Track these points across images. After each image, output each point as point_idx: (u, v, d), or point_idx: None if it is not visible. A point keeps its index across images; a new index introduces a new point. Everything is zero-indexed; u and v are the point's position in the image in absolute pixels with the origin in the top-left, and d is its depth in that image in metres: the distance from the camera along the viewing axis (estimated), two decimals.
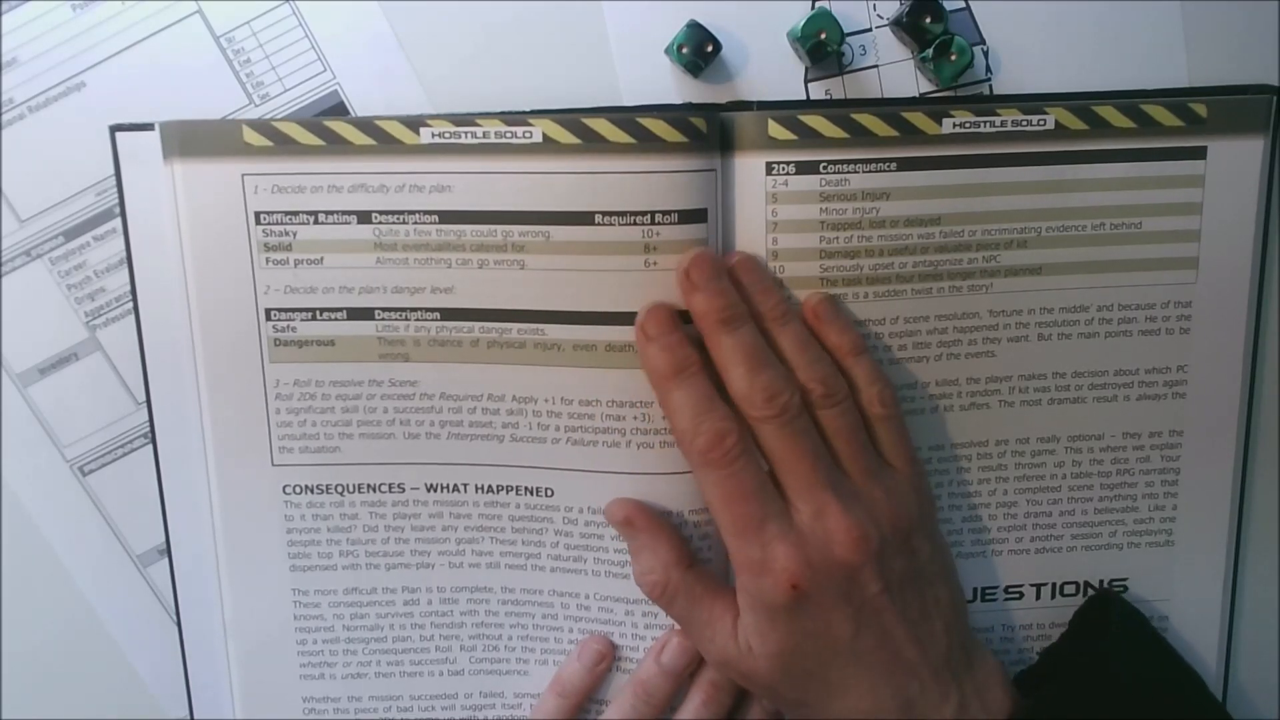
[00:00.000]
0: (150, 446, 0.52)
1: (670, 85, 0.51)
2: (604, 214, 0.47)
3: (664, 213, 0.47)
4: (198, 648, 0.54)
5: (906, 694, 0.47)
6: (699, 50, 0.49)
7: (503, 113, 0.48)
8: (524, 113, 0.48)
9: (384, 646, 0.53)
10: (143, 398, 0.51)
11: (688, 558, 0.49)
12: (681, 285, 0.47)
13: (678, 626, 0.51)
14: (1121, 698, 0.49)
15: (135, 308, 0.50)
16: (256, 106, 0.50)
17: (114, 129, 0.49)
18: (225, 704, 0.54)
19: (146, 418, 0.52)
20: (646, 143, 0.47)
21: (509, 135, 0.47)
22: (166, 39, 0.50)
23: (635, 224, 0.47)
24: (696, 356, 0.47)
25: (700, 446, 0.46)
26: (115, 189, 0.50)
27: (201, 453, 0.51)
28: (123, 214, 0.50)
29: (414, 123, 0.47)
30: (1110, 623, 0.52)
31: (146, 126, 0.49)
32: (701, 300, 0.47)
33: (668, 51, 0.50)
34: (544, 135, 0.47)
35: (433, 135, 0.47)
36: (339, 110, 0.50)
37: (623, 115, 0.47)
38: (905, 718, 0.46)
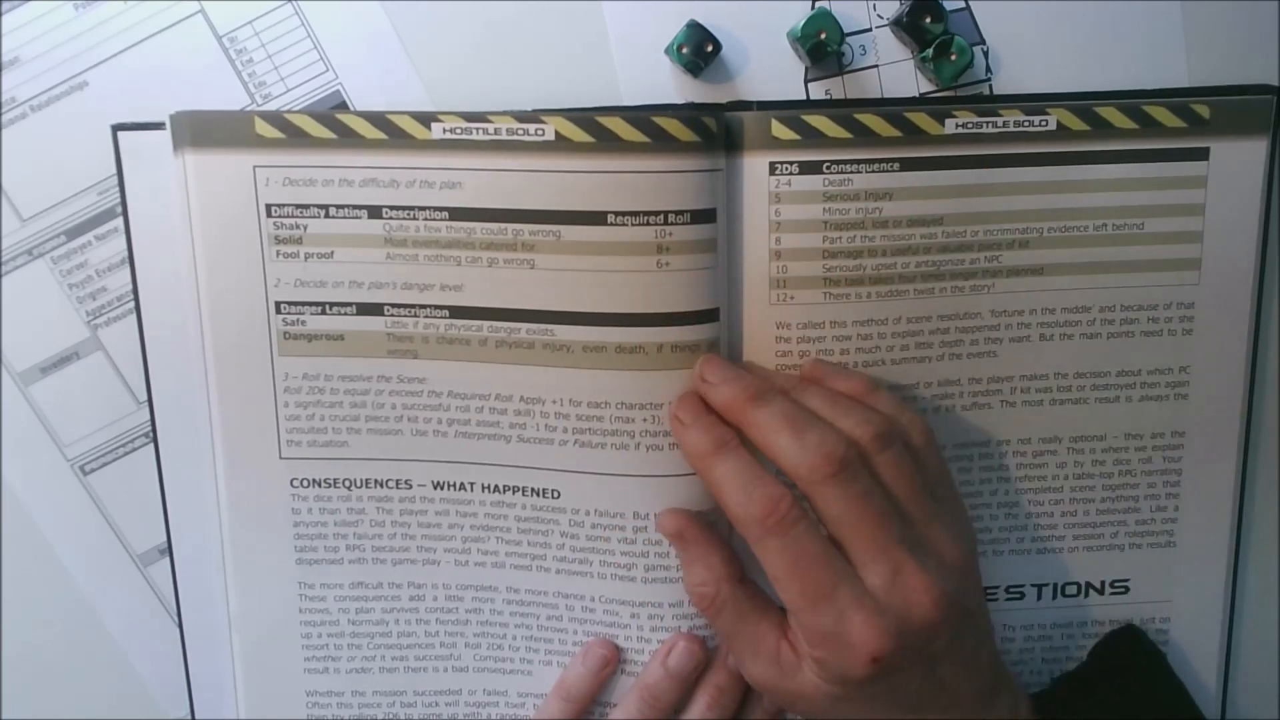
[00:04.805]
0: (151, 446, 0.52)
1: (670, 85, 0.51)
2: (616, 214, 0.47)
3: (677, 212, 0.47)
4: (199, 647, 0.53)
5: None
6: (699, 50, 0.49)
7: (514, 110, 0.48)
8: (536, 110, 0.48)
9: (389, 641, 0.53)
10: (144, 397, 0.51)
11: (739, 572, 0.48)
12: (700, 389, 0.47)
13: (685, 630, 0.51)
14: None
15: (137, 307, 0.50)
16: (259, 106, 0.50)
17: (116, 128, 0.49)
18: (226, 704, 0.54)
19: (147, 417, 0.52)
20: (660, 142, 0.46)
21: (521, 132, 0.47)
22: (169, 38, 0.50)
23: (648, 224, 0.47)
24: (734, 433, 0.46)
25: (756, 515, 0.44)
26: (117, 188, 0.50)
27: (205, 449, 0.51)
28: (124, 213, 0.50)
29: (425, 118, 0.47)
30: (1130, 658, 0.52)
31: (149, 125, 0.49)
32: (725, 391, 0.46)
33: (668, 51, 0.50)
34: (556, 133, 0.47)
35: (444, 131, 0.47)
36: (341, 110, 0.50)
37: (637, 114, 0.47)
38: None
